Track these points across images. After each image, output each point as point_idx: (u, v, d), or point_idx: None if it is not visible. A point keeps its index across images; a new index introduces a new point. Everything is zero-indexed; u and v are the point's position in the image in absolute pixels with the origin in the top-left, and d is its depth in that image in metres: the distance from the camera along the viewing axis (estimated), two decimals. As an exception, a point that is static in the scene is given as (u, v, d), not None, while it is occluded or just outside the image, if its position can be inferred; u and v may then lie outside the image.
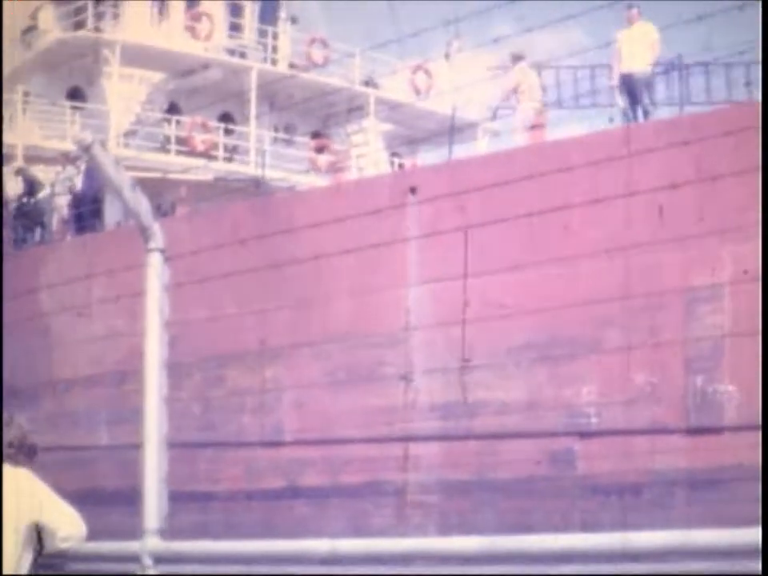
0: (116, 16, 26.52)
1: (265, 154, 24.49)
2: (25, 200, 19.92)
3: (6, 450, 5.48)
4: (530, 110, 16.17)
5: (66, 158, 20.03)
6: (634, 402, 11.57)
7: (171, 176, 20.05)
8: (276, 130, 27.78)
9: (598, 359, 11.75)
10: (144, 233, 5.97)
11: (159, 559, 5.40)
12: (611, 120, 14.94)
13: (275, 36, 28.36)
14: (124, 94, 25.12)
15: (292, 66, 28.21)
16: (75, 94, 25.76)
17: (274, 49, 28.18)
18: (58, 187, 19.73)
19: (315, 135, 27.96)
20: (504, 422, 12.32)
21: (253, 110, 25.64)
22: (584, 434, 11.84)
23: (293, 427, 13.88)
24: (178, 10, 26.86)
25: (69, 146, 21.29)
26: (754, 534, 3.79)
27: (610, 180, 11.72)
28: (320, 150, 26.91)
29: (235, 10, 28.08)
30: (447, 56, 27.06)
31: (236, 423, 14.41)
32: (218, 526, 13.63)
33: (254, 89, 25.58)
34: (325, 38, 28.42)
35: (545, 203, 11.66)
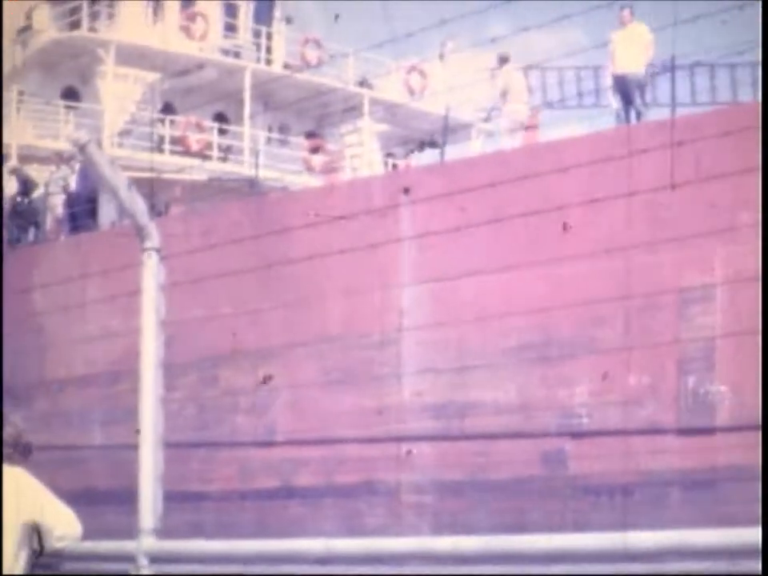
0: (111, 16, 26.50)
1: (259, 154, 24.45)
2: (19, 199, 19.90)
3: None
4: (515, 112, 16.23)
5: (61, 158, 20.03)
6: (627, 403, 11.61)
7: (165, 176, 20.02)
8: (270, 130, 27.77)
9: (590, 360, 11.78)
10: (140, 232, 5.98)
11: (154, 559, 5.41)
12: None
13: (270, 36, 28.34)
14: (119, 94, 25.08)
15: (286, 66, 28.19)
16: (70, 94, 25.73)
17: (269, 49, 28.16)
18: (52, 187, 19.71)
19: (309, 135, 27.95)
20: (497, 422, 12.34)
21: (247, 109, 25.62)
22: (576, 435, 11.87)
23: (287, 427, 13.89)
24: (172, 10, 26.82)
25: (63, 146, 21.32)
26: (754, 534, 3.79)
27: (604, 181, 11.75)
28: (314, 150, 26.90)
29: (230, 10, 28.06)
30: (442, 56, 27.05)
31: (230, 423, 14.43)
32: (211, 525, 13.64)
33: (248, 89, 25.56)
34: (319, 39, 28.40)
35: (538, 204, 11.69)
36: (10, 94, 24.63)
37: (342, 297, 13.60)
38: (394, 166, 27.80)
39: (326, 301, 13.68)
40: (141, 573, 5.40)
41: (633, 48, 14.92)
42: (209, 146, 25.78)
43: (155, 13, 26.84)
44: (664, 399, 11.46)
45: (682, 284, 11.42)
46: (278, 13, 29.00)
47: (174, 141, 25.53)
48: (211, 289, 13.61)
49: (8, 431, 5.56)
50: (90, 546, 5.61)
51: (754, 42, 11.11)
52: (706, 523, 4.28)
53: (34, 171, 21.64)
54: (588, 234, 11.87)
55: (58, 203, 19.55)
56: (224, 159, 26.23)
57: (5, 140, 23.16)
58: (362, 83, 27.84)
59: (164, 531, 5.58)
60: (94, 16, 25.95)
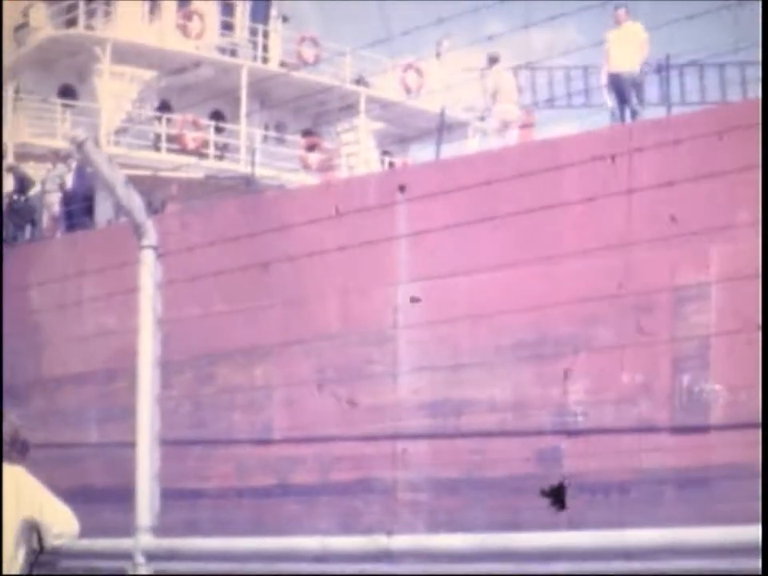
0: (107, 14, 26.51)
1: (255, 152, 24.50)
2: (15, 197, 19.91)
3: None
4: (505, 112, 16.28)
5: (57, 156, 20.04)
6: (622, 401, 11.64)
7: (162, 174, 20.03)
8: (267, 128, 27.79)
9: (586, 358, 11.81)
10: (137, 230, 5.97)
11: (151, 556, 5.42)
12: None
13: (266, 34, 28.36)
14: (115, 92, 25.10)
15: (283, 64, 28.20)
16: (66, 92, 25.73)
17: (265, 47, 28.18)
18: (49, 185, 19.73)
19: (306, 133, 27.97)
20: (493, 420, 12.37)
21: (243, 108, 25.64)
22: (571, 433, 11.90)
23: (283, 425, 13.91)
24: (169, 8, 26.84)
25: (60, 144, 21.33)
26: (751, 533, 3.78)
27: (600, 179, 11.78)
28: (311, 148, 26.92)
29: (227, 9, 28.08)
30: (438, 55, 27.07)
31: (226, 421, 14.45)
32: (208, 523, 13.66)
33: (244, 87, 25.58)
34: (315, 37, 28.43)
35: (533, 202, 11.71)
36: (7, 92, 24.63)
37: (339, 295, 13.62)
38: (391, 164, 27.83)
39: (323, 299, 13.70)
40: (138, 570, 5.41)
41: (628, 47, 14.96)
42: (205, 143, 25.81)
43: (152, 11, 26.86)
44: (658, 397, 11.50)
45: (676, 282, 11.44)
46: (274, 11, 29.03)
47: (171, 139, 25.56)
48: (207, 286, 13.62)
49: (4, 429, 5.57)
50: (87, 543, 5.63)
51: (747, 41, 11.15)
52: (700, 521, 4.29)
53: (30, 169, 21.65)
54: (583, 232, 11.89)
55: (54, 201, 19.57)
56: (220, 157, 26.26)
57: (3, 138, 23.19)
58: (359, 81, 27.86)
59: (161, 529, 5.59)
60: (90, 14, 25.96)
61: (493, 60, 16.42)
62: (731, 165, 10.26)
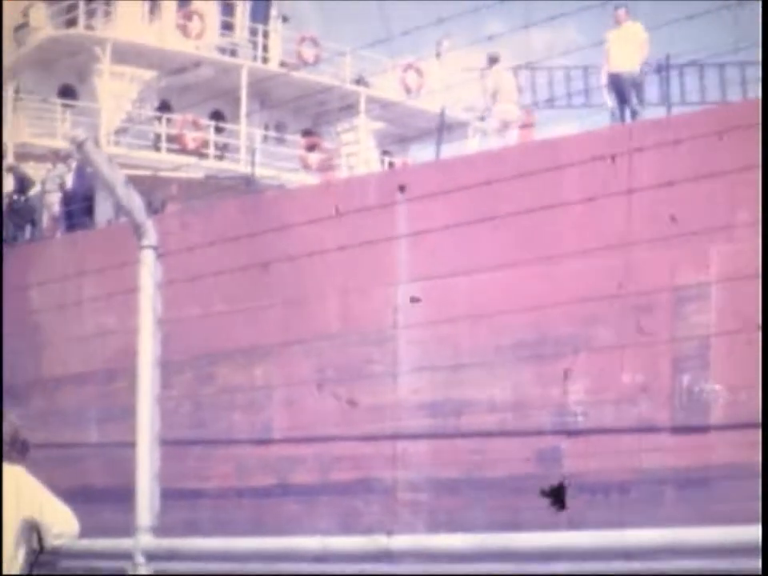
0: (107, 14, 26.52)
1: (255, 152, 24.50)
2: (15, 197, 19.92)
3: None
4: (505, 112, 16.28)
5: (57, 156, 20.04)
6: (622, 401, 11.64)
7: (162, 174, 20.03)
8: (267, 128, 27.79)
9: (586, 358, 11.81)
10: (137, 230, 5.97)
11: (151, 556, 5.42)
12: None
13: (266, 34, 28.36)
14: (115, 92, 25.10)
15: (283, 64, 28.20)
16: (66, 92, 25.73)
17: (265, 47, 28.19)
18: (49, 185, 19.73)
19: (306, 133, 27.97)
20: (493, 420, 12.37)
21: (243, 108, 25.64)
22: (571, 433, 11.90)
23: (283, 425, 13.92)
24: (169, 8, 26.85)
25: (60, 144, 21.33)
26: (754, 533, 3.78)
27: (600, 178, 11.78)
28: (311, 148, 26.92)
29: (227, 9, 28.08)
30: (438, 55, 27.08)
31: (226, 420, 14.45)
32: (207, 523, 13.66)
33: (244, 87, 25.58)
34: (315, 37, 28.44)
35: (533, 202, 11.70)
36: (7, 92, 24.63)
37: (339, 294, 13.63)
38: (390, 164, 27.84)
39: (323, 299, 13.70)
40: (138, 570, 5.41)
41: (628, 47, 14.96)
42: (205, 143, 25.82)
43: (152, 11, 26.86)
44: (658, 397, 11.50)
45: (676, 282, 11.45)
46: (274, 11, 29.03)
47: (171, 139, 25.56)
48: (207, 286, 13.62)
49: (4, 429, 5.57)
50: (87, 543, 5.63)
51: (747, 41, 11.15)
52: (700, 521, 4.29)
53: (30, 169, 21.66)
54: (583, 232, 11.90)
55: (54, 201, 19.58)
56: (220, 157, 26.26)
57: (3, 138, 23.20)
58: (359, 81, 27.87)
59: (161, 529, 5.59)
60: (90, 14, 25.96)
61: (493, 60, 16.43)
62: (731, 165, 10.26)
